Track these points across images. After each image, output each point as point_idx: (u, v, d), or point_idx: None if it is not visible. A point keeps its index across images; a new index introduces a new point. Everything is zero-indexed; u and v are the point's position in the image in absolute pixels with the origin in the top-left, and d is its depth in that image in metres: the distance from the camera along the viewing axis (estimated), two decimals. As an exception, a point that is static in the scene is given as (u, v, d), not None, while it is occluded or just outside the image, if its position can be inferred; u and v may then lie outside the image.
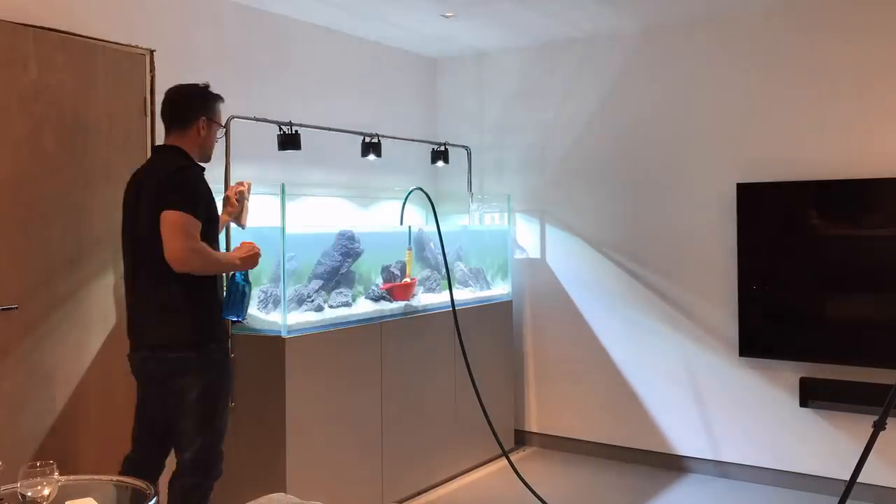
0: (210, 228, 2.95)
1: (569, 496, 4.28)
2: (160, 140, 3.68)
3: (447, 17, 4.47)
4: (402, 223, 4.28)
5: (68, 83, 3.31)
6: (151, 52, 3.66)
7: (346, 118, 4.63)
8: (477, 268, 4.98)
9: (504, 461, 4.35)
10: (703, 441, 4.58)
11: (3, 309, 3.06)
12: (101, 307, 3.44)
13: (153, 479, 2.96)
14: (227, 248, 3.63)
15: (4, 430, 3.05)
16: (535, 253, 5.14)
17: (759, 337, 4.35)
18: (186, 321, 2.88)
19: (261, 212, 3.94)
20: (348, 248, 4.02)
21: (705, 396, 4.57)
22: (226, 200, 3.39)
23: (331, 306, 3.91)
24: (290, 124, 3.97)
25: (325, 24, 4.61)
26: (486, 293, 4.91)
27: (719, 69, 4.51)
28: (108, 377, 3.45)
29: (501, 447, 4.16)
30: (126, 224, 2.99)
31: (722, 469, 4.53)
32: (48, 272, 3.23)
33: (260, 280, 3.83)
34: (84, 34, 3.37)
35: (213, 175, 3.85)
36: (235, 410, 3.64)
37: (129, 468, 2.92)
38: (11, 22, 3.12)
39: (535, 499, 3.92)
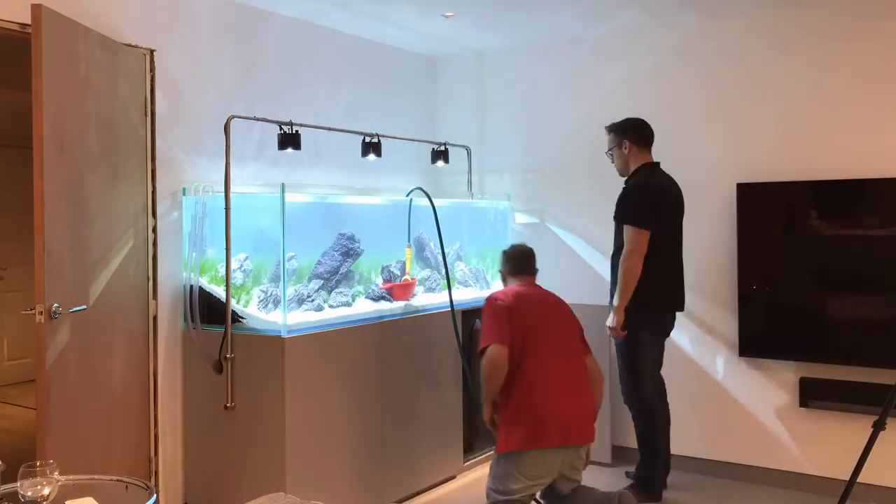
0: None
1: (569, 496, 4.27)
2: (160, 140, 3.69)
3: (447, 16, 4.47)
4: (407, 195, 4.42)
5: (103, 82, 3.33)
6: (151, 51, 3.66)
7: (346, 118, 4.63)
8: (477, 268, 4.97)
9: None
10: (703, 441, 4.58)
11: (72, 311, 3.06)
12: (124, 307, 3.48)
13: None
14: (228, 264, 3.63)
15: (64, 431, 3.06)
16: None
17: (759, 337, 4.35)
18: None
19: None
20: (348, 247, 4.02)
21: (705, 396, 4.56)
22: None
23: (331, 306, 3.91)
24: (291, 124, 3.97)
25: (326, 23, 4.61)
26: (486, 293, 4.89)
27: (719, 69, 4.51)
28: (128, 377, 3.49)
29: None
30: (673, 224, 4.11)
31: (722, 469, 4.53)
32: (94, 272, 3.26)
33: (260, 280, 3.84)
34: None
35: (213, 175, 3.86)
36: (235, 410, 3.65)
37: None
38: (69, 18, 3.11)
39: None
